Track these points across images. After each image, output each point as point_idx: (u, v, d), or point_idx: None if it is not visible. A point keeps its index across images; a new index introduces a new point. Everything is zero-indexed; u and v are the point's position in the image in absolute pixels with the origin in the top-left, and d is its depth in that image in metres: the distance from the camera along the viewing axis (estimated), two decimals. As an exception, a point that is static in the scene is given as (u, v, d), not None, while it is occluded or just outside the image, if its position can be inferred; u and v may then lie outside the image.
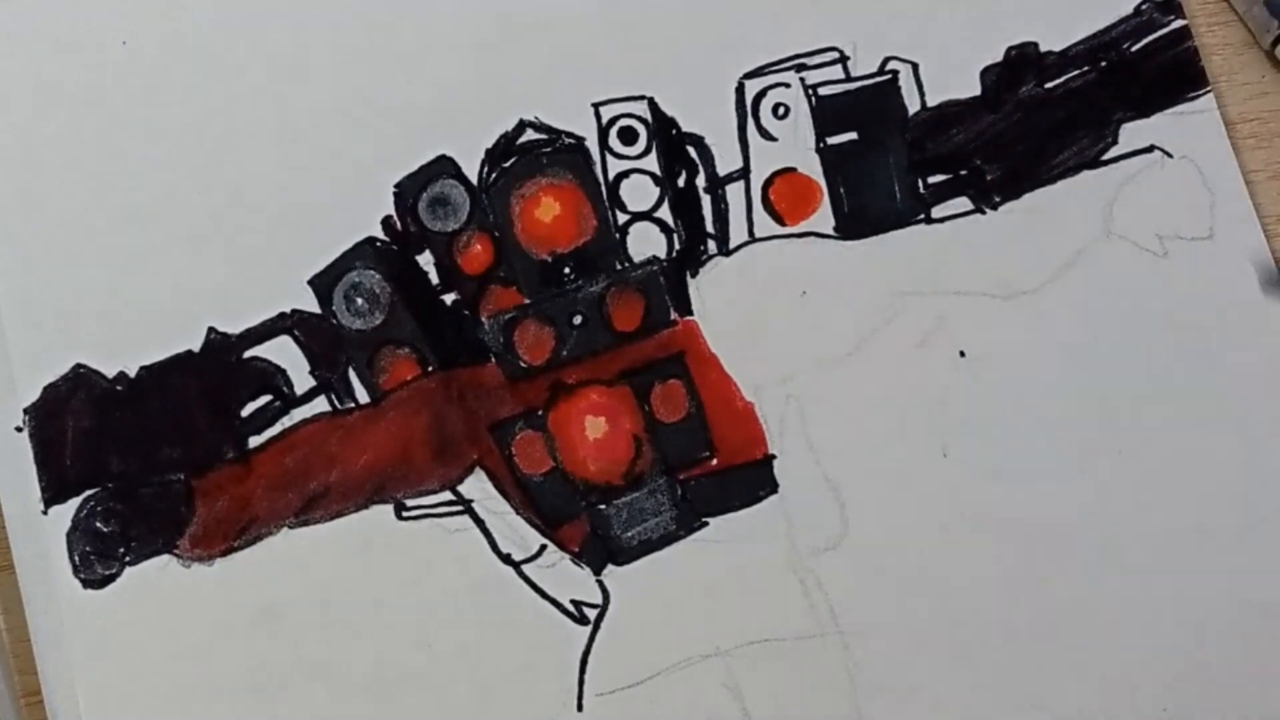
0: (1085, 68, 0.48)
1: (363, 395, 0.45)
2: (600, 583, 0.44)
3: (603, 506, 0.45)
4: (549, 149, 0.46)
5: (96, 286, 0.45)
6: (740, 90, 0.47)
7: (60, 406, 0.44)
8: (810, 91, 0.47)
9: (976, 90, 0.47)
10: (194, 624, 0.43)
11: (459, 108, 0.46)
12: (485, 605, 0.44)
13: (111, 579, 0.43)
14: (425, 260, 0.45)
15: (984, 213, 0.47)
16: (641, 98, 0.46)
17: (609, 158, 0.46)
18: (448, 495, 0.44)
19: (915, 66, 0.47)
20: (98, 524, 0.43)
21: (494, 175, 0.46)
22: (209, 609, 0.43)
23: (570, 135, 0.46)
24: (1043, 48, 0.47)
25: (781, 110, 0.47)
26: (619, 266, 0.46)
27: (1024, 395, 0.45)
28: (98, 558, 0.43)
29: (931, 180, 0.47)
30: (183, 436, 0.44)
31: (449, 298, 0.45)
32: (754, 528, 0.45)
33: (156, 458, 0.44)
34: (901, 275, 0.46)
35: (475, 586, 0.44)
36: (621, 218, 0.46)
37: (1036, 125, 0.47)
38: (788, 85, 0.47)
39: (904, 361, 0.45)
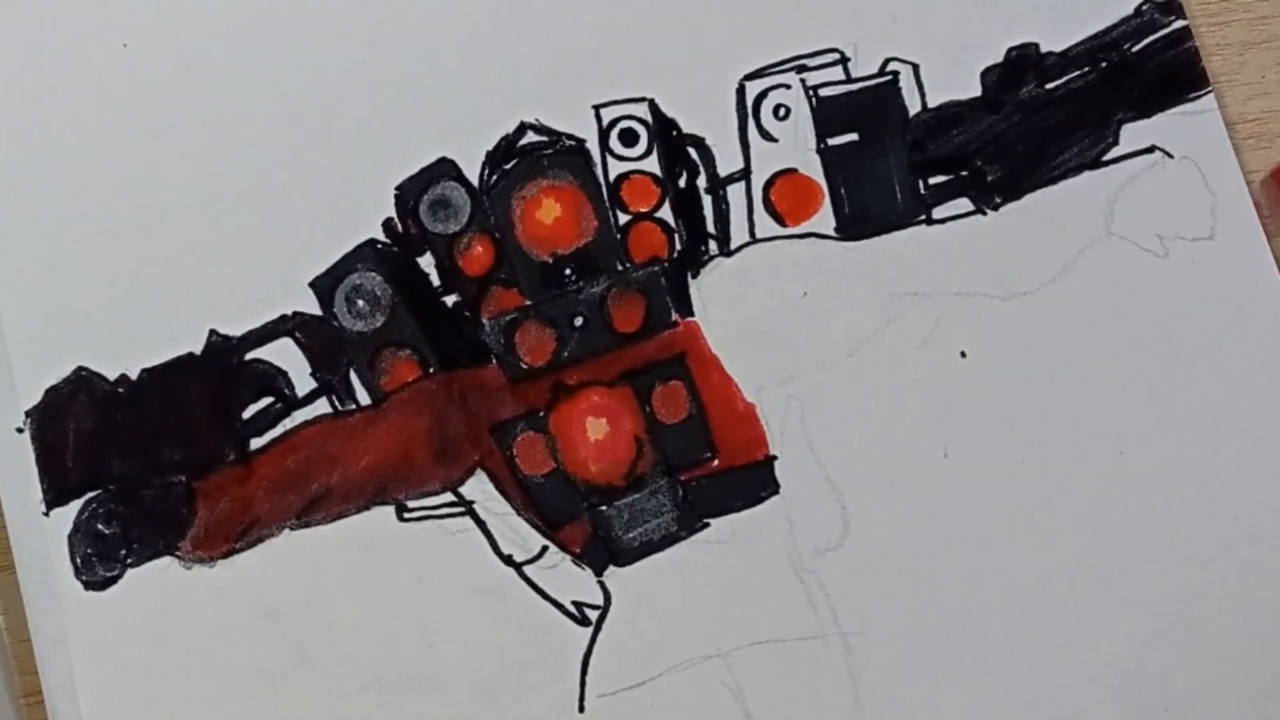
0: (1086, 68, 0.48)
1: (364, 397, 0.45)
2: (601, 584, 0.44)
3: (604, 507, 0.45)
4: (550, 151, 0.46)
5: (98, 289, 0.45)
6: (741, 91, 0.47)
7: (62, 409, 0.44)
8: (811, 92, 0.47)
9: (977, 91, 0.47)
10: (195, 625, 0.43)
11: (460, 110, 0.46)
12: (486, 606, 0.44)
13: (113, 580, 0.43)
14: (426, 262, 0.45)
15: (984, 213, 0.47)
16: (642, 99, 0.46)
17: (610, 159, 0.46)
18: (449, 496, 0.44)
19: (916, 67, 0.47)
20: (99, 526, 0.44)
21: (495, 177, 0.46)
22: (210, 610, 0.43)
23: (571, 137, 0.46)
24: (1043, 48, 0.47)
25: (782, 111, 0.47)
26: (620, 267, 0.46)
27: (1024, 395, 0.45)
28: (99, 559, 0.43)
29: (932, 181, 0.47)
30: (184, 438, 0.44)
31: (450, 299, 0.45)
32: (755, 528, 0.45)
33: (158, 460, 0.44)
34: (902, 276, 0.46)
35: (476, 588, 0.44)
36: (622, 219, 0.46)
37: (1037, 126, 0.47)
38: (788, 86, 0.47)
39: (905, 362, 0.45)
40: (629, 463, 0.45)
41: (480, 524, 0.44)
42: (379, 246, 0.45)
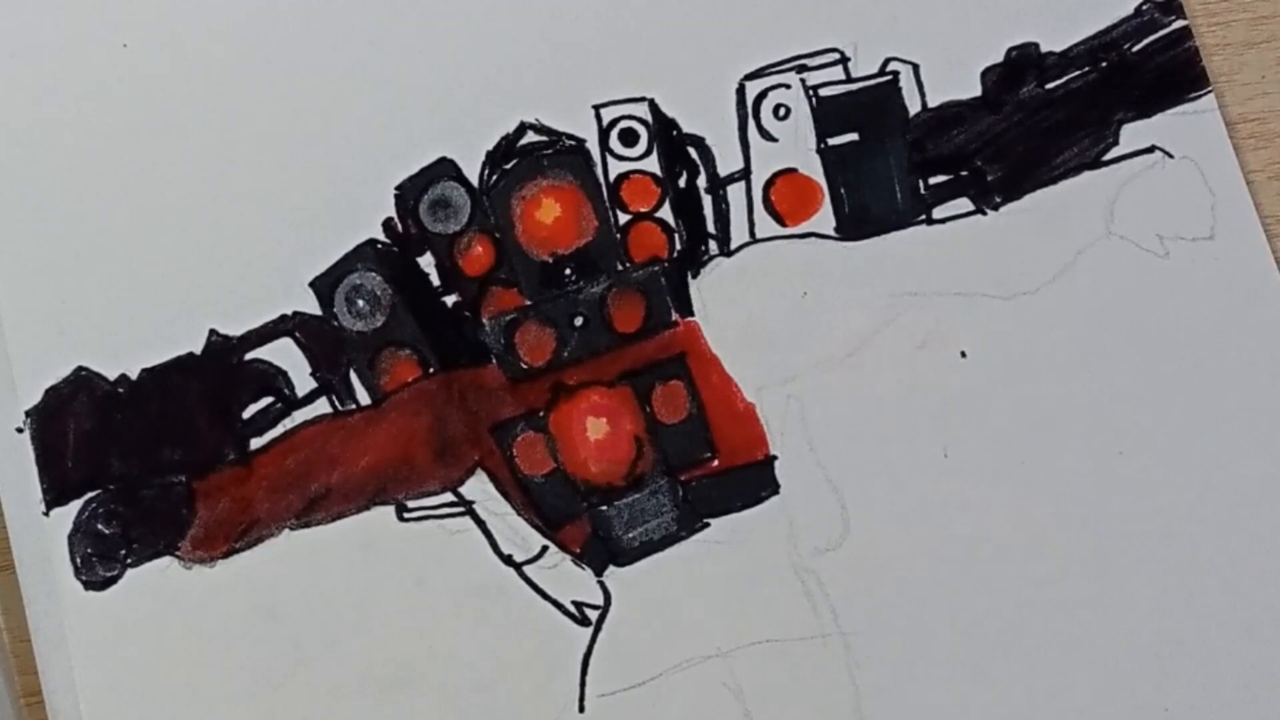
0: (1086, 68, 0.48)
1: (364, 397, 0.45)
2: (601, 584, 0.44)
3: (604, 507, 0.44)
4: (550, 151, 0.46)
5: (98, 289, 0.45)
6: (741, 91, 0.47)
7: (62, 409, 0.44)
8: (811, 92, 0.47)
9: (977, 91, 0.47)
10: (195, 625, 0.43)
11: (460, 110, 0.46)
12: (486, 606, 0.44)
13: (113, 580, 0.43)
14: (426, 262, 0.45)
15: (984, 213, 0.47)
16: (642, 99, 0.46)
17: (610, 159, 0.46)
18: (449, 496, 0.44)
19: (916, 67, 0.47)
20: (99, 526, 0.44)
21: (495, 177, 0.46)
22: (210, 610, 0.43)
23: (571, 137, 0.46)
24: (1043, 48, 0.47)
25: (782, 111, 0.47)
26: (620, 267, 0.46)
27: (1024, 395, 0.45)
28: (99, 559, 0.43)
29: (932, 181, 0.47)
30: (184, 438, 0.44)
31: (450, 299, 0.45)
32: (755, 528, 0.45)
33: (158, 460, 0.44)
34: (902, 276, 0.46)
35: (476, 588, 0.44)
36: (622, 218, 0.46)
37: (1037, 126, 0.47)
38: (788, 86, 0.47)
39: (905, 362, 0.45)
40: (629, 463, 0.45)
41: (480, 524, 0.44)
42: (379, 246, 0.45)
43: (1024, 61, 0.47)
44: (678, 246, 0.46)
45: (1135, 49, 0.48)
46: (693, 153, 0.46)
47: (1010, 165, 0.47)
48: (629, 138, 0.46)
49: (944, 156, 0.47)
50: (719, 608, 0.44)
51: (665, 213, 0.46)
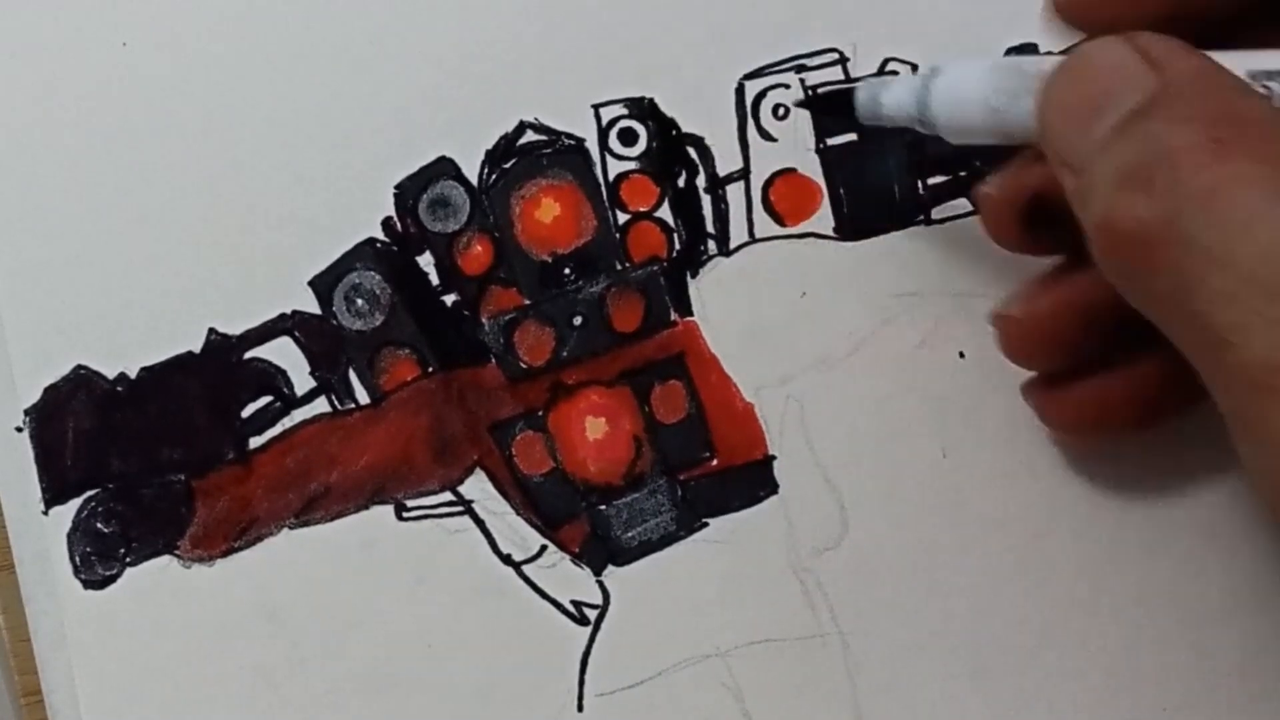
0: (1085, 68, 0.48)
1: (363, 396, 0.45)
2: (600, 583, 0.44)
3: (603, 507, 0.45)
4: (549, 150, 0.46)
5: (97, 288, 0.45)
6: (740, 91, 0.47)
7: (61, 407, 0.44)
8: (810, 92, 0.47)
9: (976, 91, 0.47)
10: (194, 624, 0.43)
11: (459, 109, 0.46)
12: (485, 605, 0.44)
13: (112, 579, 0.43)
14: (425, 261, 0.46)
15: (984, 213, 0.46)
16: (641, 99, 0.46)
17: (609, 159, 0.46)
18: (448, 496, 0.44)
19: (915, 68, 0.47)
20: (98, 525, 0.44)
21: (494, 176, 0.46)
22: (209, 609, 0.43)
23: (570, 136, 0.46)
24: (1042, 48, 0.47)
25: (781, 111, 0.47)
26: (619, 267, 0.46)
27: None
28: (98, 558, 0.43)
29: (931, 181, 0.47)
30: (183, 437, 0.44)
31: (449, 299, 0.45)
32: (754, 528, 0.45)
33: (157, 458, 0.44)
34: (901, 276, 0.46)
35: (475, 587, 0.44)
36: (622, 218, 0.46)
37: (1036, 126, 0.47)
38: (788, 86, 0.47)
39: (904, 362, 0.45)
40: (628, 462, 0.45)
41: (479, 523, 0.44)
42: (378, 245, 0.45)
43: (1023, 62, 0.47)
44: (677, 246, 0.46)
45: (1134, 49, 0.48)
46: (692, 152, 0.46)
47: (1009, 165, 0.47)
48: (628, 137, 0.46)
49: (943, 156, 0.47)
50: (717, 607, 0.44)
51: (664, 212, 0.46)
